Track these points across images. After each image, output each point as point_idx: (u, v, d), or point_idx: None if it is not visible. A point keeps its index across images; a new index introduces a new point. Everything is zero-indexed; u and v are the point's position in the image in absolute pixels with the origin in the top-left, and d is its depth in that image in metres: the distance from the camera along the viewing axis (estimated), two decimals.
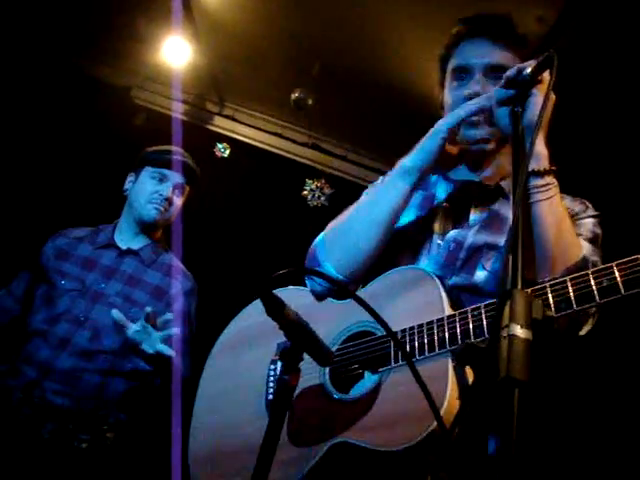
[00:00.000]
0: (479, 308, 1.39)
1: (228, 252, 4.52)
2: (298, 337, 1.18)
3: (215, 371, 1.81)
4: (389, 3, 3.54)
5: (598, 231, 1.59)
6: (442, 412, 1.23)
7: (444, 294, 1.46)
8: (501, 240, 1.58)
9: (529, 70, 1.38)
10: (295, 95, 4.21)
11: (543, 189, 1.43)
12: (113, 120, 4.37)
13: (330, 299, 1.70)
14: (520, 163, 1.19)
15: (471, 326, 1.38)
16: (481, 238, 1.61)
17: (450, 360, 1.34)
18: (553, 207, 1.44)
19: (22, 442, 2.31)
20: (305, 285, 1.78)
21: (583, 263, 1.41)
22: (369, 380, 1.48)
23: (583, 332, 1.48)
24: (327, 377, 1.53)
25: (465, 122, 1.65)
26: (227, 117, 4.83)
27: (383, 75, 4.04)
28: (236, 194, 4.74)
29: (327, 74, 4.13)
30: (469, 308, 1.41)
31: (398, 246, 1.71)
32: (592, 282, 1.26)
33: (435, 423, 1.20)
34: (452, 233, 1.66)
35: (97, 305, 2.55)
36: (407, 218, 1.76)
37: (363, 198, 1.83)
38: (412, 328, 1.45)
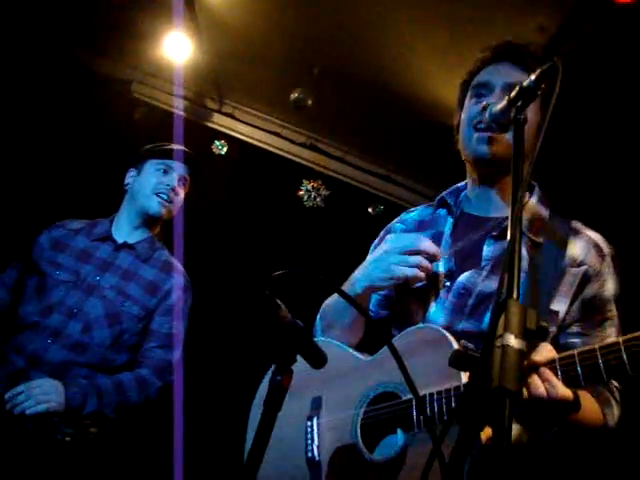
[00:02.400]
0: None
1: (222, 249, 4.52)
2: (292, 339, 1.18)
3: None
4: (390, 7, 3.55)
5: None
6: None
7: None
8: None
9: (533, 78, 1.37)
10: (295, 95, 4.21)
11: None
12: (113, 114, 4.37)
13: (352, 353, 1.76)
14: (519, 177, 1.19)
15: None
16: (490, 285, 1.59)
17: None
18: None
19: (5, 432, 2.29)
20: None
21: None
22: (398, 440, 1.52)
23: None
24: (359, 437, 1.59)
25: (476, 138, 1.66)
26: (226, 115, 4.83)
27: (383, 78, 4.05)
28: (232, 192, 4.75)
29: (327, 75, 4.14)
30: None
31: (405, 290, 1.71)
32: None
33: None
34: (462, 278, 1.64)
35: (91, 297, 2.54)
36: None
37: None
38: (432, 395, 1.45)
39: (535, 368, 1.28)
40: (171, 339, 2.61)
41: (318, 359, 1.22)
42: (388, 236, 1.81)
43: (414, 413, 1.48)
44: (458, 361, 1.02)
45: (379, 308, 1.89)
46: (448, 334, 1.50)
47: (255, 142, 4.84)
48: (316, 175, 4.88)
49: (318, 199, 4.83)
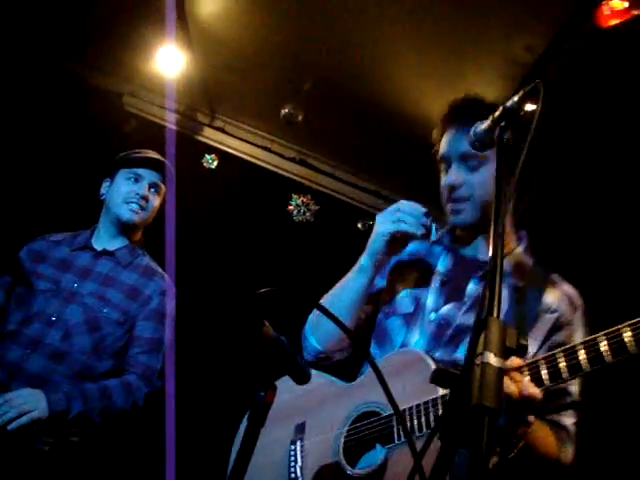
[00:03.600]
0: None
1: (211, 263, 4.52)
2: (276, 355, 1.19)
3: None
4: (381, 25, 3.58)
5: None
6: None
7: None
8: None
9: (516, 99, 1.40)
10: (285, 110, 4.24)
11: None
12: (104, 126, 4.37)
13: (334, 381, 1.85)
14: (501, 195, 1.21)
15: None
16: (469, 319, 1.71)
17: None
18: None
19: None
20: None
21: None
22: (379, 454, 1.60)
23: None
24: (342, 455, 1.66)
25: (449, 210, 1.82)
26: (217, 129, 4.84)
27: (373, 94, 4.08)
28: (222, 206, 4.75)
29: (318, 91, 4.17)
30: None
31: (394, 315, 1.86)
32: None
33: None
34: (444, 310, 1.77)
35: (70, 305, 2.54)
36: (404, 290, 1.90)
37: (337, 285, 1.95)
38: (411, 408, 1.56)
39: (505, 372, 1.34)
40: (155, 344, 2.60)
41: (302, 375, 1.22)
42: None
43: (394, 427, 1.57)
44: (439, 378, 1.03)
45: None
46: (426, 356, 1.62)
47: (245, 156, 4.84)
48: (306, 190, 4.89)
49: (308, 214, 4.84)
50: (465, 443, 0.98)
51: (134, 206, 2.70)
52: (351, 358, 1.98)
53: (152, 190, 2.77)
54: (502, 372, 0.97)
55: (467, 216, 1.79)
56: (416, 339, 1.76)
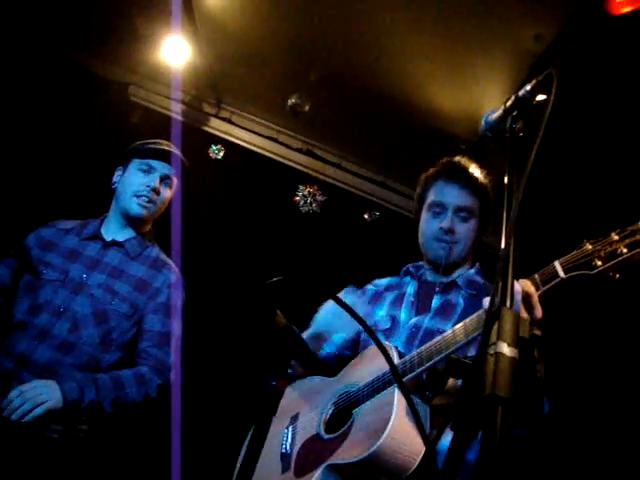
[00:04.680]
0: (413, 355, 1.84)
1: (218, 254, 4.52)
2: (288, 343, 1.19)
3: None
4: (387, 16, 3.56)
5: None
6: (387, 429, 1.63)
7: (395, 353, 1.90)
8: (449, 325, 2.03)
9: (529, 88, 1.38)
10: (292, 101, 4.22)
11: None
12: (109, 116, 4.37)
13: (323, 378, 2.04)
14: (513, 187, 1.20)
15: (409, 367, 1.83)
16: (434, 324, 2.11)
17: (396, 391, 1.75)
18: None
19: None
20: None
21: None
22: (348, 418, 1.90)
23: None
24: (322, 427, 1.96)
25: (438, 247, 2.25)
26: (223, 119, 4.84)
27: (380, 85, 4.06)
28: (229, 197, 4.75)
29: (325, 81, 4.15)
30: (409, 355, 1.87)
31: (375, 330, 2.21)
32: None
33: (379, 442, 1.61)
34: (414, 320, 2.16)
35: (78, 296, 2.53)
36: (382, 312, 2.28)
37: None
38: (373, 380, 1.88)
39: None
40: (165, 338, 2.57)
41: (314, 364, 1.22)
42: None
43: (360, 394, 1.88)
44: (451, 368, 1.03)
45: (343, 349, 2.29)
46: (390, 344, 1.97)
47: (252, 147, 4.84)
48: (312, 181, 4.88)
49: (314, 205, 4.83)
50: (478, 432, 0.97)
51: (143, 200, 2.68)
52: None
53: (164, 182, 2.76)
54: (515, 362, 0.96)
55: (456, 256, 2.23)
56: (394, 344, 2.04)
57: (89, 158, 4.27)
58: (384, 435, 1.61)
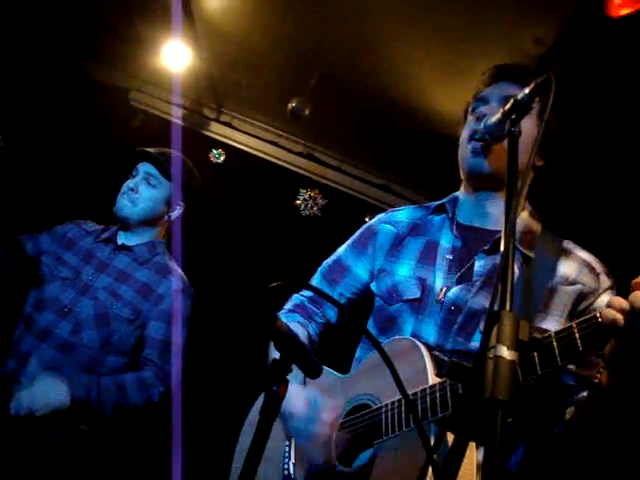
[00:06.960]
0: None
1: (219, 258, 4.52)
2: (288, 349, 1.19)
3: (246, 447, 1.91)
4: (388, 19, 3.57)
5: None
6: None
7: (429, 365, 1.47)
8: None
9: (527, 91, 1.39)
10: (292, 105, 4.23)
11: None
12: (110, 121, 4.38)
13: (327, 374, 1.75)
14: (513, 190, 1.20)
15: (438, 401, 1.41)
16: (480, 302, 1.57)
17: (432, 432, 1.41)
18: None
19: None
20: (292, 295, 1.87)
21: None
22: (367, 452, 1.55)
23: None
24: (334, 453, 1.60)
25: (469, 149, 1.68)
26: (224, 124, 4.85)
27: (380, 88, 4.07)
28: (230, 201, 4.75)
29: (325, 85, 4.16)
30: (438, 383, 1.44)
31: (400, 301, 1.71)
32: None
33: None
34: (452, 294, 1.61)
35: (84, 297, 2.54)
36: (407, 268, 1.73)
37: None
38: (400, 400, 1.49)
39: None
40: (167, 345, 2.56)
41: (314, 369, 1.22)
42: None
43: (383, 420, 1.51)
44: (451, 372, 1.03)
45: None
46: (420, 344, 1.52)
47: (252, 151, 4.85)
48: (313, 184, 4.89)
49: (315, 208, 4.84)
50: (478, 437, 0.97)
51: (123, 200, 2.71)
52: (344, 348, 1.91)
53: (144, 181, 2.75)
54: (515, 365, 0.96)
55: (491, 161, 1.62)
56: (427, 328, 1.61)
57: (90, 163, 4.28)
58: None
